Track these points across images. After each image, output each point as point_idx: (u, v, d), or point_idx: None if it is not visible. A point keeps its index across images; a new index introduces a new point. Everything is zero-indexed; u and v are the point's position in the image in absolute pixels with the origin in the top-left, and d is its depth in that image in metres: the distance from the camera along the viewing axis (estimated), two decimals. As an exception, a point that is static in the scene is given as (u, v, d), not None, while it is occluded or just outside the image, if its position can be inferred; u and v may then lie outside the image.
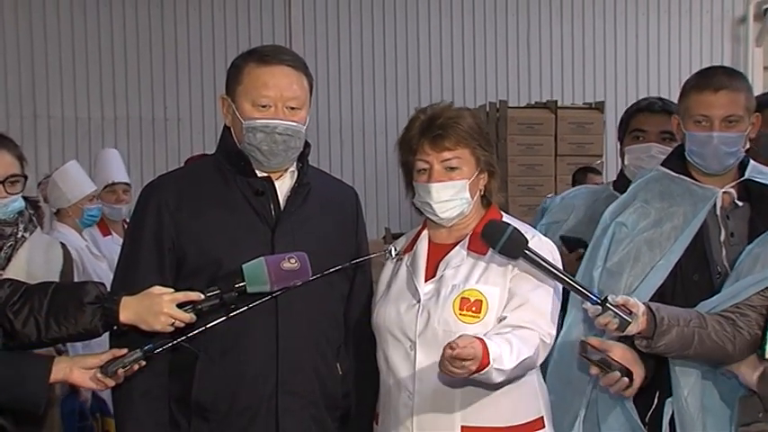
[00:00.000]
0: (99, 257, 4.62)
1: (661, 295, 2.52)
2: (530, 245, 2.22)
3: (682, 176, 2.62)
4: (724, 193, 2.57)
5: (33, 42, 6.75)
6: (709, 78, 2.60)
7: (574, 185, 5.15)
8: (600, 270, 2.61)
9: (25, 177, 2.85)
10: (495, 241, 2.18)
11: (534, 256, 2.15)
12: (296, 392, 2.29)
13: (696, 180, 2.61)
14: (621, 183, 3.14)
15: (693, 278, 2.54)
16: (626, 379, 2.20)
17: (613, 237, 2.64)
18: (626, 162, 3.13)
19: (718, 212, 2.56)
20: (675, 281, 2.55)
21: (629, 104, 3.32)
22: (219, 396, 2.26)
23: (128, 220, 5.04)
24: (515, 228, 2.20)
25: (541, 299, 2.25)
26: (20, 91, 6.74)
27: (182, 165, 5.43)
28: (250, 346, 2.27)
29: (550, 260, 2.21)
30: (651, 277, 2.54)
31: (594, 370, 2.20)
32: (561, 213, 3.15)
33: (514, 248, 2.17)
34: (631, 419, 2.58)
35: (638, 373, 2.25)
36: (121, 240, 4.82)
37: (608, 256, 2.63)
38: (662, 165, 2.72)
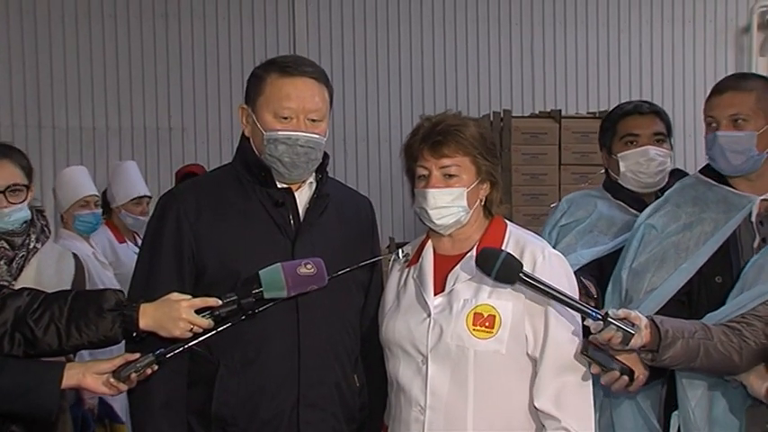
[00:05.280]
0: (105, 265, 4.53)
1: (688, 295, 2.55)
2: (537, 263, 2.22)
3: (720, 185, 2.62)
4: (762, 200, 2.57)
5: (38, 52, 6.75)
6: (720, 83, 2.66)
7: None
8: (627, 271, 2.65)
9: (28, 187, 2.84)
10: (490, 268, 2.16)
11: (530, 280, 2.14)
12: (317, 405, 2.29)
13: (734, 188, 2.60)
14: (615, 188, 3.10)
15: (716, 280, 2.55)
16: (626, 377, 2.20)
17: (642, 238, 2.67)
18: (622, 169, 3.02)
19: (753, 219, 2.55)
20: (700, 283, 2.56)
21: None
22: (240, 409, 2.25)
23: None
24: (508, 253, 2.19)
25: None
26: (25, 101, 6.74)
27: (187, 174, 5.48)
28: (271, 358, 2.26)
29: (553, 278, 2.19)
30: (673, 278, 2.56)
31: (595, 369, 2.20)
32: (581, 212, 3.07)
33: (509, 274, 2.15)
34: (649, 422, 2.58)
35: (640, 371, 2.26)
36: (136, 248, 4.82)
37: (636, 256, 2.65)
38: (700, 172, 2.72)
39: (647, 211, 2.75)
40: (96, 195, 4.68)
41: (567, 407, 2.20)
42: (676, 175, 3.10)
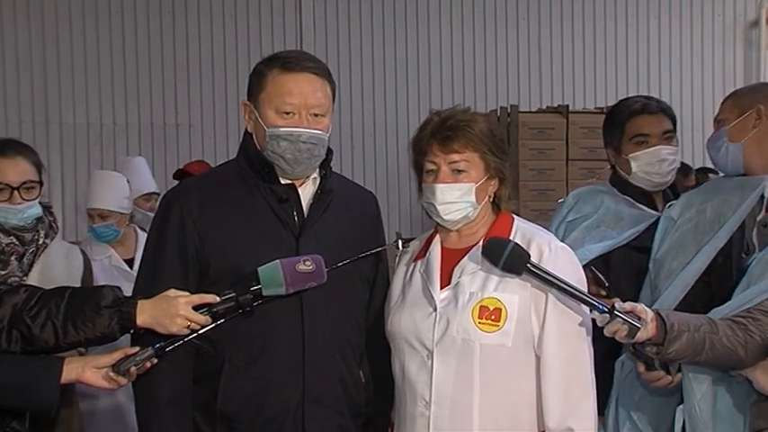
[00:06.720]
0: (125, 273, 4.22)
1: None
2: (543, 255, 2.22)
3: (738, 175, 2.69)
4: None
5: (45, 49, 6.78)
6: None
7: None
8: (652, 262, 2.75)
9: (41, 183, 2.86)
10: (498, 258, 2.16)
11: (537, 271, 2.14)
12: (322, 401, 2.29)
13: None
14: (622, 184, 3.09)
15: (717, 260, 2.58)
16: (669, 377, 2.29)
17: (664, 230, 2.76)
18: (634, 169, 2.99)
19: (766, 194, 2.59)
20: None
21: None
22: (245, 405, 2.24)
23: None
24: (516, 243, 2.19)
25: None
26: (32, 97, 6.77)
27: (193, 171, 5.48)
28: (276, 354, 2.26)
29: (559, 270, 2.18)
30: (696, 261, 2.60)
31: (641, 367, 2.28)
32: (588, 207, 3.06)
33: (516, 264, 2.15)
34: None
35: (674, 365, 2.33)
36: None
37: (659, 247, 2.74)
38: None
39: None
40: (105, 210, 4.38)
41: (571, 403, 2.20)
42: (683, 169, 3.12)
